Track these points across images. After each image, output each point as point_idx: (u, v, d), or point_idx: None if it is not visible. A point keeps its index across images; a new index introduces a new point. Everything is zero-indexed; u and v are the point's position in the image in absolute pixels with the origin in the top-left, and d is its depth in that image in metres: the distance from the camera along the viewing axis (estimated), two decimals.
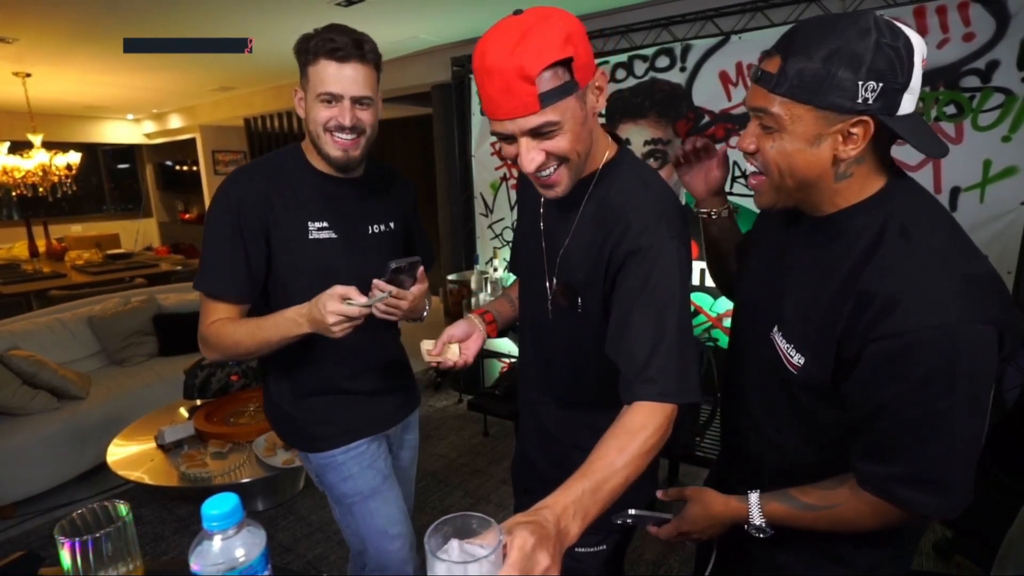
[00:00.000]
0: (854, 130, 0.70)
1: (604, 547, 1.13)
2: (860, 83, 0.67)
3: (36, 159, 5.21)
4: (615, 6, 3.10)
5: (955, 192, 2.23)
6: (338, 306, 1.03)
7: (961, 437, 0.69)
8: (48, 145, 5.30)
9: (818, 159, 0.73)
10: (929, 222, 0.73)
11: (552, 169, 0.87)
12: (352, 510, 1.35)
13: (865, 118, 0.69)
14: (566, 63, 0.79)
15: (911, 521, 0.77)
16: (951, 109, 2.19)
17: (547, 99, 0.79)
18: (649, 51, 2.90)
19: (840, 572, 0.88)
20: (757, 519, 0.84)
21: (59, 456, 2.66)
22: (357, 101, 1.13)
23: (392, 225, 1.33)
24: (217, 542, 0.65)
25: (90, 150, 7.86)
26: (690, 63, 2.78)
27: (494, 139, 4.08)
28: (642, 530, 0.92)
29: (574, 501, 0.68)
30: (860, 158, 0.73)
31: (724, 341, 2.82)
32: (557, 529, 0.64)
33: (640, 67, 2.94)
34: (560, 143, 0.84)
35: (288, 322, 1.10)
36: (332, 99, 1.11)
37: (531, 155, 0.84)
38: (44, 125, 5.75)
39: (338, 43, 1.08)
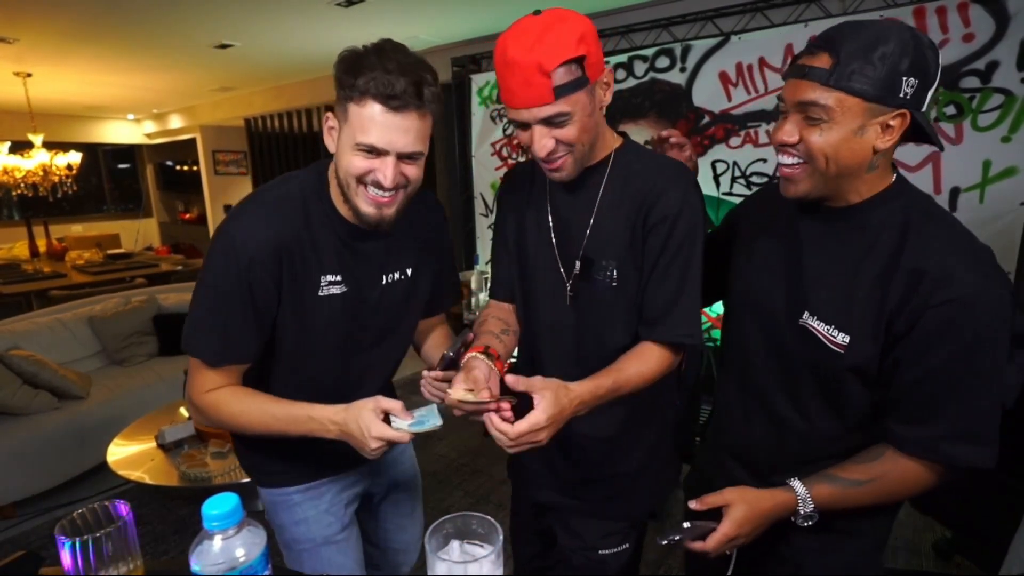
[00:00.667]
0: (892, 122, 0.76)
1: (627, 546, 1.19)
2: (904, 78, 0.74)
3: (36, 159, 5.21)
4: (615, 6, 3.10)
5: (955, 192, 2.23)
6: (384, 430, 0.90)
7: (996, 392, 0.77)
8: (48, 145, 5.31)
9: (861, 148, 0.78)
10: (941, 209, 0.83)
11: (560, 155, 0.95)
12: (301, 558, 1.20)
13: (904, 111, 0.76)
14: (579, 60, 0.87)
15: (950, 479, 0.82)
16: (951, 109, 2.19)
17: (560, 92, 0.87)
18: (649, 51, 2.90)
19: (856, 544, 0.93)
20: (807, 507, 0.83)
21: (59, 456, 2.66)
22: (406, 156, 0.93)
23: (409, 272, 1.13)
24: (217, 542, 0.65)
25: (90, 150, 7.86)
26: (690, 63, 2.78)
27: (494, 139, 4.07)
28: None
29: (597, 396, 0.91)
30: (886, 151, 0.79)
31: None
32: (573, 410, 0.86)
33: (640, 67, 2.95)
34: (569, 132, 0.92)
35: (315, 424, 0.96)
36: (374, 152, 0.91)
37: (543, 142, 0.92)
38: (44, 125, 5.75)
39: (396, 89, 0.86)
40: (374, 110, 0.88)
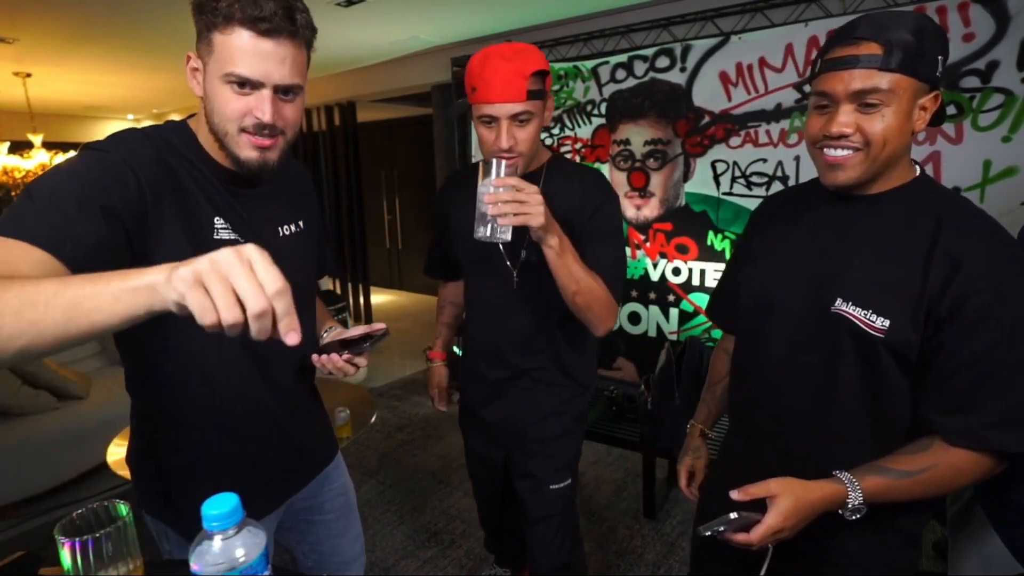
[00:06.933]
0: (927, 103, 0.81)
1: (569, 481, 1.41)
2: (939, 57, 0.78)
3: (36, 159, 5.20)
4: (615, 6, 3.09)
5: (955, 192, 2.23)
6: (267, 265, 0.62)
7: None
8: (48, 145, 5.30)
9: (908, 130, 0.81)
10: (970, 202, 0.86)
11: (514, 154, 1.15)
12: None
13: (938, 91, 0.80)
14: (543, 75, 1.15)
15: (1000, 467, 0.81)
16: (951, 109, 2.19)
17: (530, 95, 1.12)
18: (649, 51, 2.90)
19: (893, 537, 0.91)
20: (857, 499, 0.80)
21: (59, 456, 2.66)
22: (282, 91, 0.84)
23: (302, 224, 1.07)
24: (217, 542, 0.65)
25: None
26: (690, 63, 2.78)
27: None
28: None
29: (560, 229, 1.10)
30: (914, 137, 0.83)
31: None
32: (548, 217, 1.04)
33: (640, 67, 2.94)
34: (527, 131, 1.15)
35: (130, 283, 0.56)
36: (247, 84, 0.81)
37: (509, 135, 1.14)
38: (44, 125, 5.74)
39: (264, 10, 0.78)
40: (242, 37, 0.78)
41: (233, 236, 0.91)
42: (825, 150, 0.84)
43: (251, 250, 0.56)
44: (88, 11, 3.05)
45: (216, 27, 0.79)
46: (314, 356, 0.98)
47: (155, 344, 0.91)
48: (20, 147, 5.35)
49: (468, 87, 1.14)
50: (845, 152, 0.82)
